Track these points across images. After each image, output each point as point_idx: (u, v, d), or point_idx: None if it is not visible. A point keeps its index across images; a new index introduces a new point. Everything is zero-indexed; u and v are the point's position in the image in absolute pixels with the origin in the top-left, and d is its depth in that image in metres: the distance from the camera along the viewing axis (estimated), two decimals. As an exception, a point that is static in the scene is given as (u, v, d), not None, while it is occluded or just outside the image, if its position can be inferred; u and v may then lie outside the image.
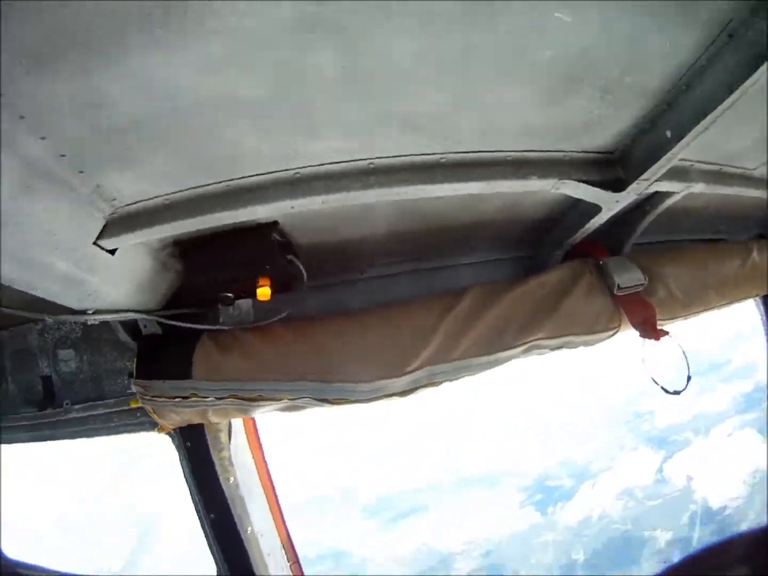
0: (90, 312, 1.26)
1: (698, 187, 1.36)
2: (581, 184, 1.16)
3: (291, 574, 1.69)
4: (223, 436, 1.45)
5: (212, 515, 1.49)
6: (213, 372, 1.27)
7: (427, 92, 0.89)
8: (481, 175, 1.08)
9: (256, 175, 1.03)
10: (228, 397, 1.25)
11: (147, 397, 1.31)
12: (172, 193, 1.06)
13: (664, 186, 1.28)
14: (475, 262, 1.64)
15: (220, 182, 1.05)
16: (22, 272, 1.03)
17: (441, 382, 1.29)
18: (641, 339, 1.43)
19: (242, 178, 1.05)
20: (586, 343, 1.40)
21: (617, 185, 1.20)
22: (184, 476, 1.49)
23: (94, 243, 1.08)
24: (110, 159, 0.95)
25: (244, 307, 1.35)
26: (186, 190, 1.06)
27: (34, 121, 0.79)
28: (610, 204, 1.27)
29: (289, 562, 1.69)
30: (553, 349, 1.37)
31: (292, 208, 1.07)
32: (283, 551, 1.68)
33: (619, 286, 1.40)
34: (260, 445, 1.63)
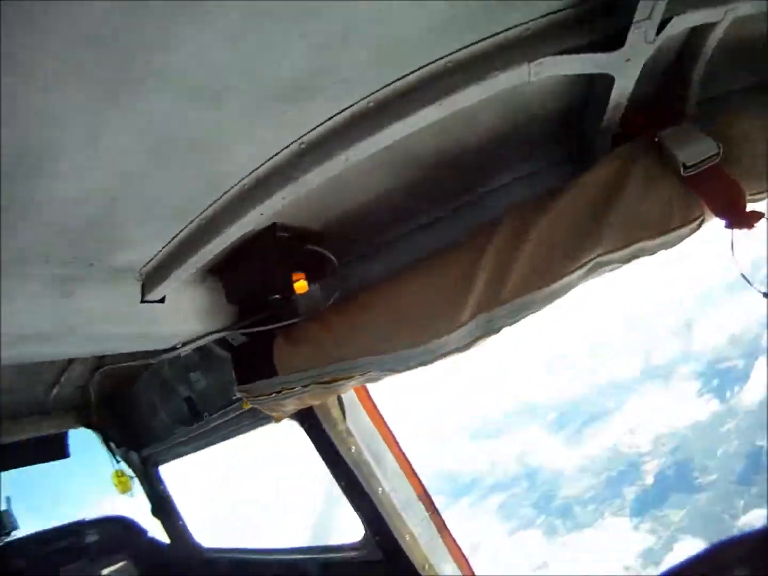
0: (179, 346, 1.45)
1: (744, 8, 0.92)
2: (563, 57, 0.88)
3: (432, 522, 1.79)
4: (335, 412, 1.58)
5: (343, 483, 1.68)
6: (290, 366, 1.38)
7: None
8: (424, 99, 0.90)
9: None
10: (310, 384, 1.35)
11: (251, 398, 1.49)
12: (175, 236, 1.13)
13: (688, 19, 0.90)
14: (509, 183, 1.33)
15: (213, 202, 1.07)
16: (100, 345, 1.24)
17: (500, 328, 1.16)
18: (728, 229, 1.05)
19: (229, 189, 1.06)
20: (664, 246, 1.08)
21: (613, 41, 0.88)
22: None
23: (143, 302, 1.23)
24: (105, 245, 1.05)
25: (301, 302, 1.41)
26: (186, 226, 1.12)
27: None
28: (622, 67, 0.94)
29: (428, 512, 1.78)
30: (624, 261, 1.11)
31: (283, 198, 1.05)
32: (420, 502, 1.78)
33: (685, 164, 1.02)
34: (376, 409, 1.74)
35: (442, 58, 0.86)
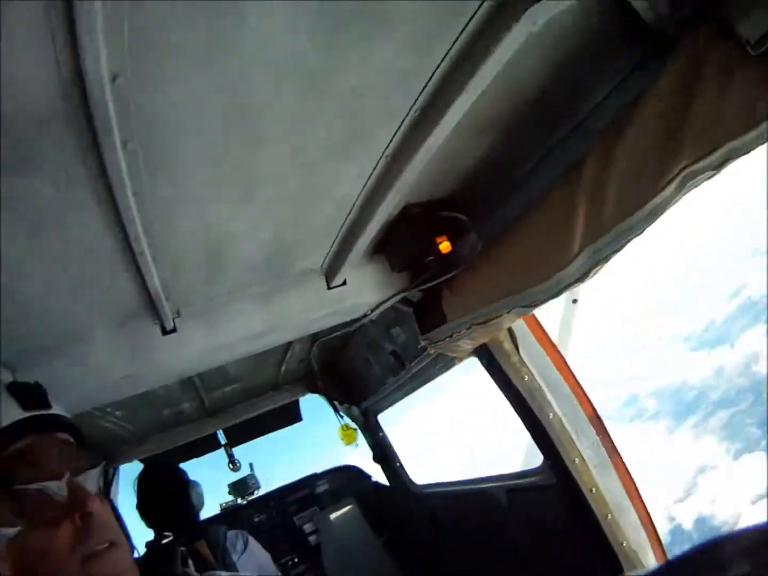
0: (368, 313, 1.81)
1: None
2: None
3: (602, 446, 1.84)
4: (507, 345, 1.77)
5: (519, 410, 1.86)
6: (454, 313, 1.64)
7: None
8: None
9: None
10: (471, 326, 1.59)
11: (432, 344, 1.80)
12: (336, 237, 1.46)
13: None
14: (602, 100, 1.24)
15: (353, 204, 1.35)
16: (306, 328, 1.75)
17: (610, 256, 1.18)
18: None
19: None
20: (758, 142, 0.92)
21: None
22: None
23: (329, 289, 1.62)
24: (287, 263, 1.45)
25: (452, 258, 1.63)
26: (341, 227, 1.42)
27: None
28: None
29: (598, 435, 1.84)
30: (717, 168, 1.00)
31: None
32: (591, 426, 1.84)
33: (750, 42, 0.85)
34: (547, 337, 1.87)
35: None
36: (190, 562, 1.03)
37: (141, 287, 1.27)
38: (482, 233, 1.53)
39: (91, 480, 0.93)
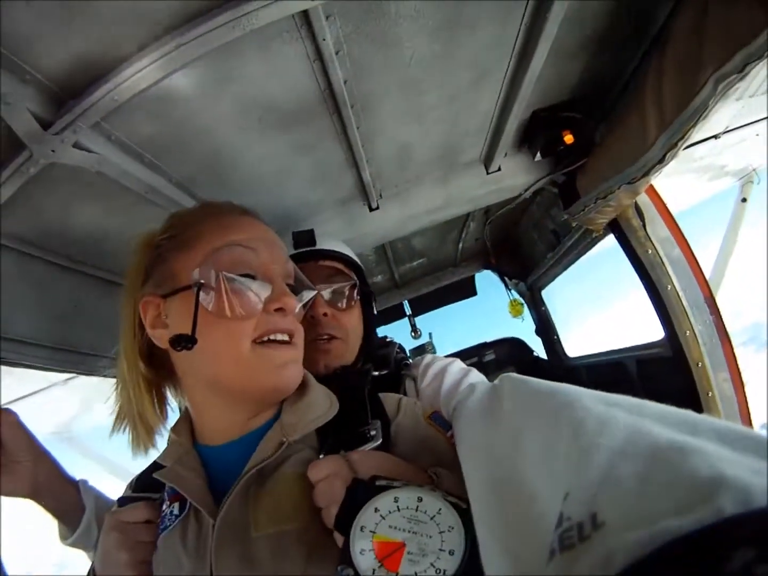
0: (523, 192, 2.47)
1: None
2: None
3: (713, 325, 2.11)
4: (634, 221, 2.25)
5: (643, 281, 2.27)
6: (584, 191, 2.24)
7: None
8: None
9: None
10: (596, 201, 2.14)
11: (572, 218, 2.40)
12: (485, 136, 2.12)
13: None
14: None
15: (494, 108, 2.00)
16: (474, 203, 2.43)
17: (677, 143, 1.61)
18: None
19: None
20: (765, 46, 1.19)
21: None
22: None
23: (488, 174, 2.34)
24: (454, 157, 2.14)
25: (578, 148, 2.16)
26: (488, 127, 2.09)
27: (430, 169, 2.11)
28: None
29: (712, 315, 2.11)
30: (740, 71, 1.30)
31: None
32: (706, 305, 2.12)
33: None
34: (671, 216, 2.26)
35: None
36: None
37: (358, 180, 2.17)
38: (597, 127, 2.07)
39: (333, 294, 1.45)
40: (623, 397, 0.49)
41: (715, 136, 2.50)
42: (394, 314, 4.40)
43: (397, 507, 0.71)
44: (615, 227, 2.37)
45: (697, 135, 2.30)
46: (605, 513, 0.34)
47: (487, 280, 4.34)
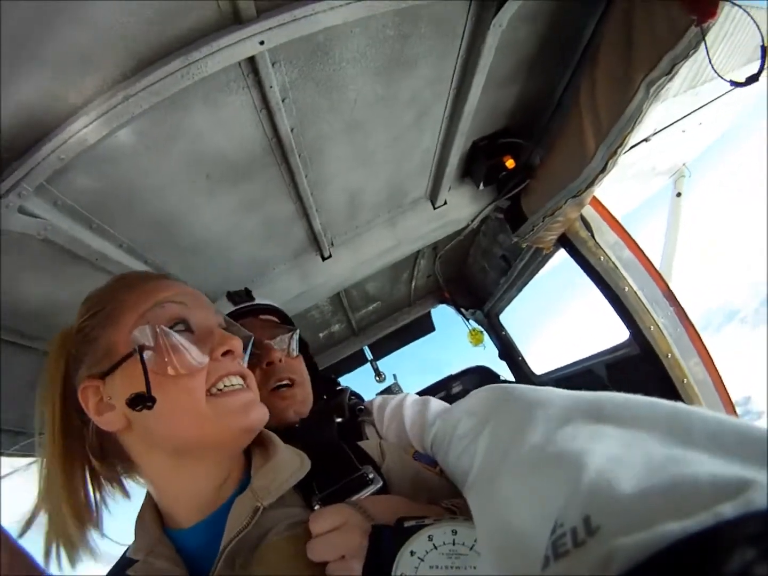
0: (470, 223, 2.55)
1: None
2: None
3: (675, 316, 2.24)
4: (582, 233, 2.35)
5: (600, 288, 2.35)
6: (530, 210, 2.34)
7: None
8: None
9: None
10: (544, 219, 2.23)
11: (522, 239, 2.50)
12: (429, 175, 2.19)
13: None
14: None
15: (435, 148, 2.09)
16: (424, 240, 2.47)
17: (617, 151, 1.75)
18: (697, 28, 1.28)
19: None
20: (688, 49, 1.37)
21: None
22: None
23: (435, 209, 2.38)
24: (399, 200, 2.20)
25: (520, 170, 2.28)
26: (430, 170, 2.17)
27: (368, 219, 2.14)
28: None
29: (672, 307, 2.24)
30: (668, 74, 1.45)
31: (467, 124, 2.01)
32: (665, 298, 2.25)
33: None
34: (616, 221, 2.37)
35: None
36: None
37: (309, 230, 2.18)
38: (535, 149, 2.18)
39: (281, 342, 1.41)
40: (610, 397, 0.52)
41: (646, 140, 2.65)
42: (356, 361, 4.43)
43: (434, 545, 0.67)
44: (565, 242, 2.46)
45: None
46: (599, 517, 0.34)
47: (444, 313, 4.46)
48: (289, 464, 0.89)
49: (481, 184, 2.32)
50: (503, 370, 4.12)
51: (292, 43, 1.21)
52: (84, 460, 0.86)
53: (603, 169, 1.83)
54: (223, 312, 1.28)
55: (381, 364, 4.47)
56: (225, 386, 0.84)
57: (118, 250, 1.60)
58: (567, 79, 1.95)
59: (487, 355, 4.17)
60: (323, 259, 2.39)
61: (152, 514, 0.90)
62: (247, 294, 1.60)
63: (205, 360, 0.82)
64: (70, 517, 0.82)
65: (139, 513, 0.92)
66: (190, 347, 0.82)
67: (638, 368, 2.44)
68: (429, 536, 0.68)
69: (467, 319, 4.20)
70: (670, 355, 2.17)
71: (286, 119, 1.46)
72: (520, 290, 3.51)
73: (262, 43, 1.15)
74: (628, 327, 2.31)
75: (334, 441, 1.00)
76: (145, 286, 0.89)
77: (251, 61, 1.22)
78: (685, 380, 2.13)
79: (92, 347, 0.85)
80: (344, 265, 2.42)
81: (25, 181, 1.15)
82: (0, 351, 1.59)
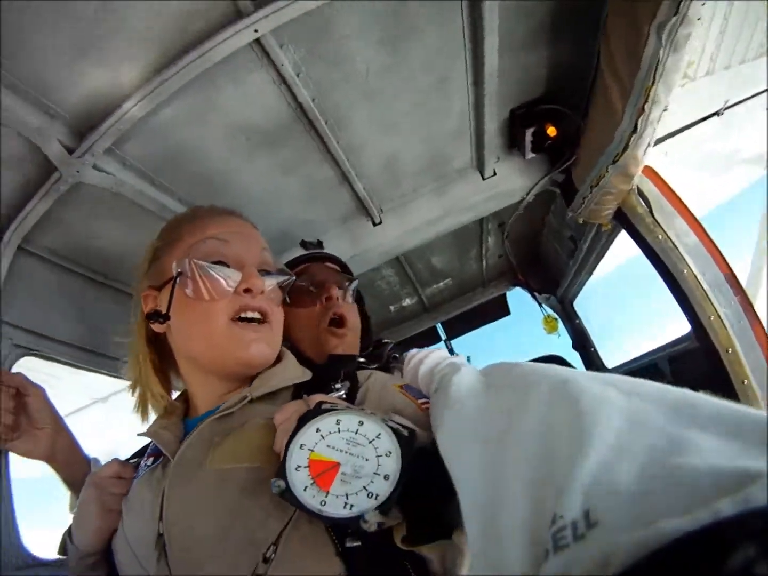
0: (524, 196, 2.59)
1: None
2: None
3: (739, 306, 1.99)
4: (639, 209, 2.22)
5: (657, 269, 2.20)
6: (579, 182, 2.31)
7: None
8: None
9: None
10: (591, 190, 2.19)
11: (576, 214, 2.47)
12: (472, 147, 2.26)
13: None
14: None
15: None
16: (476, 211, 2.53)
17: (644, 108, 1.70)
18: None
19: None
20: None
21: None
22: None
23: (484, 180, 2.45)
24: (445, 167, 2.29)
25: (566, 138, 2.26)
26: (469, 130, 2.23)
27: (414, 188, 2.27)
28: None
29: (737, 296, 1.99)
30: (675, 14, 1.43)
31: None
32: (729, 285, 2.02)
33: None
34: (679, 199, 2.19)
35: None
36: None
37: (354, 196, 2.34)
38: (578, 117, 2.17)
39: (340, 284, 1.66)
40: (619, 377, 0.51)
41: (717, 113, 2.37)
42: (429, 339, 4.45)
43: (338, 429, 0.75)
44: (622, 218, 2.35)
45: (690, 113, 2.31)
46: (599, 512, 0.34)
47: (519, 297, 4.31)
48: (288, 372, 1.08)
49: (528, 152, 2.32)
50: (576, 361, 4.01)
51: (291, 25, 1.44)
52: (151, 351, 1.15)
53: (635, 129, 1.77)
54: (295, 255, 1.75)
55: (454, 344, 4.53)
56: (243, 317, 1.03)
57: (178, 203, 1.92)
58: (593, 43, 1.90)
59: (562, 344, 4.05)
60: (374, 224, 2.54)
61: (181, 404, 1.16)
62: (318, 244, 1.89)
63: (226, 292, 1.02)
64: (155, 383, 1.12)
65: (170, 401, 1.19)
66: (214, 281, 1.02)
67: (698, 363, 2.25)
68: (337, 420, 0.76)
69: (541, 305, 4.11)
70: (730, 350, 1.96)
71: (305, 91, 1.67)
72: (590, 274, 3.38)
73: (256, 31, 1.40)
74: (686, 315, 2.13)
75: (338, 369, 1.13)
76: (201, 221, 1.12)
77: (259, 44, 1.46)
78: (746, 381, 1.91)
79: (155, 264, 1.12)
80: (394, 231, 2.55)
81: (96, 146, 1.53)
82: (79, 285, 2.00)
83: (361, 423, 0.75)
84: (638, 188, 2.22)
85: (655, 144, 1.92)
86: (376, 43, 1.60)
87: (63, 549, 1.10)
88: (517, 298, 4.35)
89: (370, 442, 0.73)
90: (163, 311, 1.04)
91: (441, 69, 1.80)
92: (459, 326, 4.50)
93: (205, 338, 1.01)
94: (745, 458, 0.32)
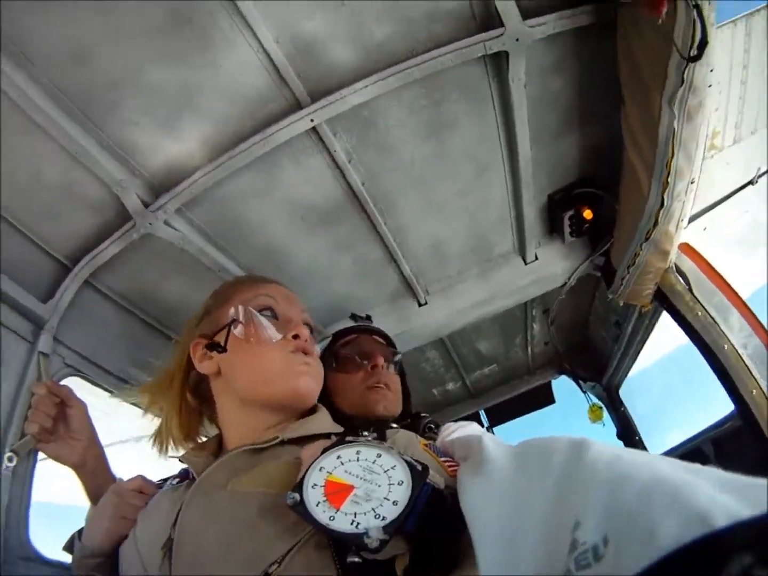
0: (567, 281, 2.68)
1: None
2: None
3: None
4: (678, 286, 2.26)
5: (697, 346, 2.21)
6: (617, 263, 2.38)
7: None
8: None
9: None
10: (628, 270, 2.25)
11: (617, 296, 2.53)
12: (514, 227, 2.42)
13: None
14: None
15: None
16: (523, 294, 2.64)
17: (668, 182, 1.77)
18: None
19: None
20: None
21: None
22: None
23: (526, 264, 2.60)
24: (487, 253, 2.47)
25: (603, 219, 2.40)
26: (514, 216, 2.39)
27: (459, 271, 2.43)
28: None
29: None
30: (682, 83, 1.49)
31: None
32: None
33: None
34: (717, 273, 2.21)
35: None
36: None
37: (400, 276, 2.50)
38: (608, 198, 2.29)
39: (390, 361, 1.85)
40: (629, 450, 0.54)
41: (751, 182, 2.30)
42: None
43: (357, 458, 0.82)
44: (662, 297, 2.37)
45: (724, 185, 2.30)
46: (612, 534, 0.38)
47: (563, 384, 4.28)
48: (323, 423, 1.16)
49: (566, 238, 2.45)
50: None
51: (343, 116, 1.68)
52: (185, 394, 1.25)
53: (662, 205, 1.83)
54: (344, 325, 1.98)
55: (497, 431, 4.47)
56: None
57: (237, 267, 2.12)
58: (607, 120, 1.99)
59: (606, 433, 3.97)
60: (420, 305, 2.67)
61: (214, 443, 1.22)
62: (368, 318, 2.12)
63: (277, 336, 1.15)
64: (176, 425, 1.24)
65: (204, 441, 1.30)
66: (267, 326, 1.15)
67: (742, 443, 2.23)
68: (358, 450, 0.84)
69: (586, 393, 4.07)
70: None
71: (355, 176, 1.91)
72: (634, 359, 3.35)
73: (312, 120, 1.65)
74: (727, 392, 2.11)
75: (368, 423, 1.26)
76: (251, 284, 1.29)
77: (316, 132, 1.71)
78: None
79: (207, 318, 1.26)
80: (439, 312, 2.66)
81: (168, 204, 1.76)
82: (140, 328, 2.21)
83: (379, 455, 0.83)
84: (676, 266, 2.25)
85: (693, 219, 1.98)
86: (420, 133, 1.84)
87: (70, 546, 1.18)
88: (562, 384, 4.33)
89: (385, 471, 0.79)
90: (213, 341, 1.16)
91: (480, 158, 2.01)
92: (502, 413, 4.46)
93: (260, 365, 1.12)
94: (741, 500, 0.34)
